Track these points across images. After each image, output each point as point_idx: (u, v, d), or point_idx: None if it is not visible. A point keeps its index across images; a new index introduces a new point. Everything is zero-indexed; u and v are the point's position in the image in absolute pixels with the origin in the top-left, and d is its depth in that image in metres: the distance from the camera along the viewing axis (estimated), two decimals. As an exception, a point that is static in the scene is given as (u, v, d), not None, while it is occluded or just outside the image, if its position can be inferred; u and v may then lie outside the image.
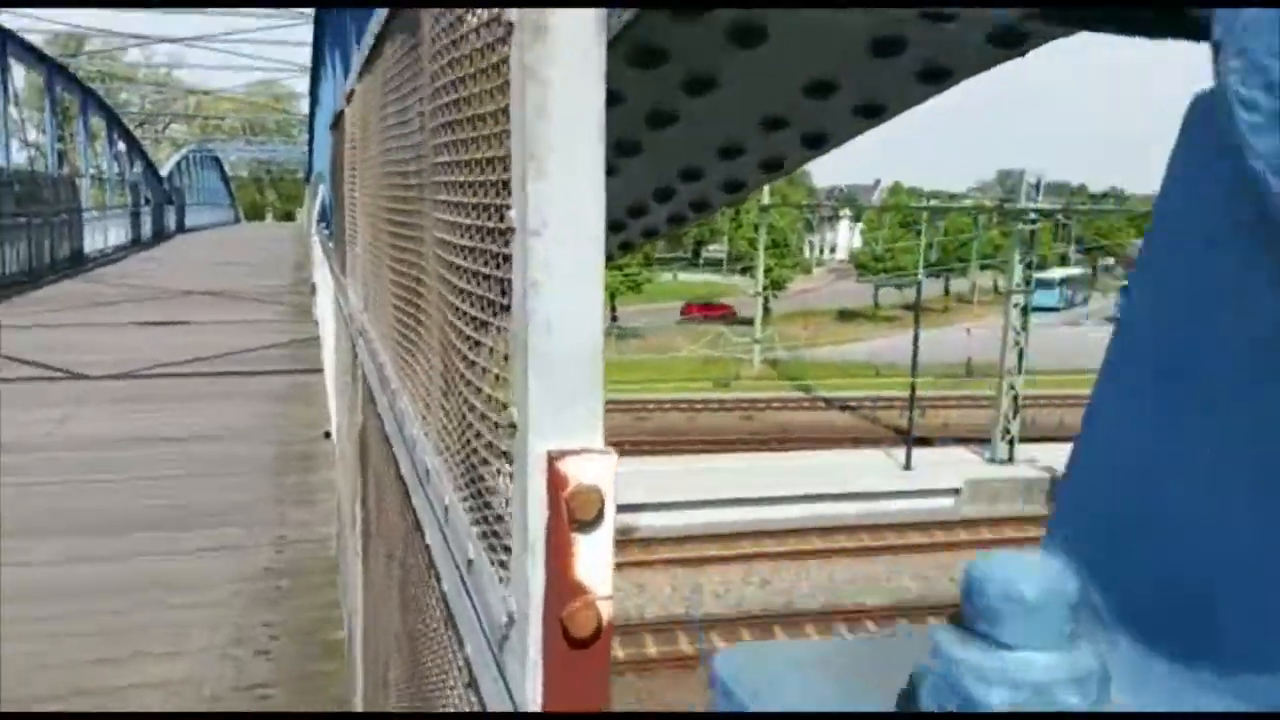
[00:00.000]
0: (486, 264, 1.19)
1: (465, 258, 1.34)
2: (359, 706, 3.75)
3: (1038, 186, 28.46)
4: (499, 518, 1.20)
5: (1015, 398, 28.60)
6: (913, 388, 28.35)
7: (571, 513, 0.96)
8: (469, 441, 1.39)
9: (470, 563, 1.32)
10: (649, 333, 55.26)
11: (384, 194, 2.58)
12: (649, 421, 35.48)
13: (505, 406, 1.12)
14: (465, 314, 1.35)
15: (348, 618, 4.77)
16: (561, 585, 0.97)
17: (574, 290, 0.97)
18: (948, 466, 27.76)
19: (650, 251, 59.86)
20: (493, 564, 1.19)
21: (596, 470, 0.97)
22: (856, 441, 31.76)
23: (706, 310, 65.34)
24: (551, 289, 0.96)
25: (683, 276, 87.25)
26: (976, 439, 30.08)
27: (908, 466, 27.30)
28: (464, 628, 1.36)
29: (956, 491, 26.63)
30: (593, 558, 0.97)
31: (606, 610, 0.97)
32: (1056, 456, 28.39)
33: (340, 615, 5.25)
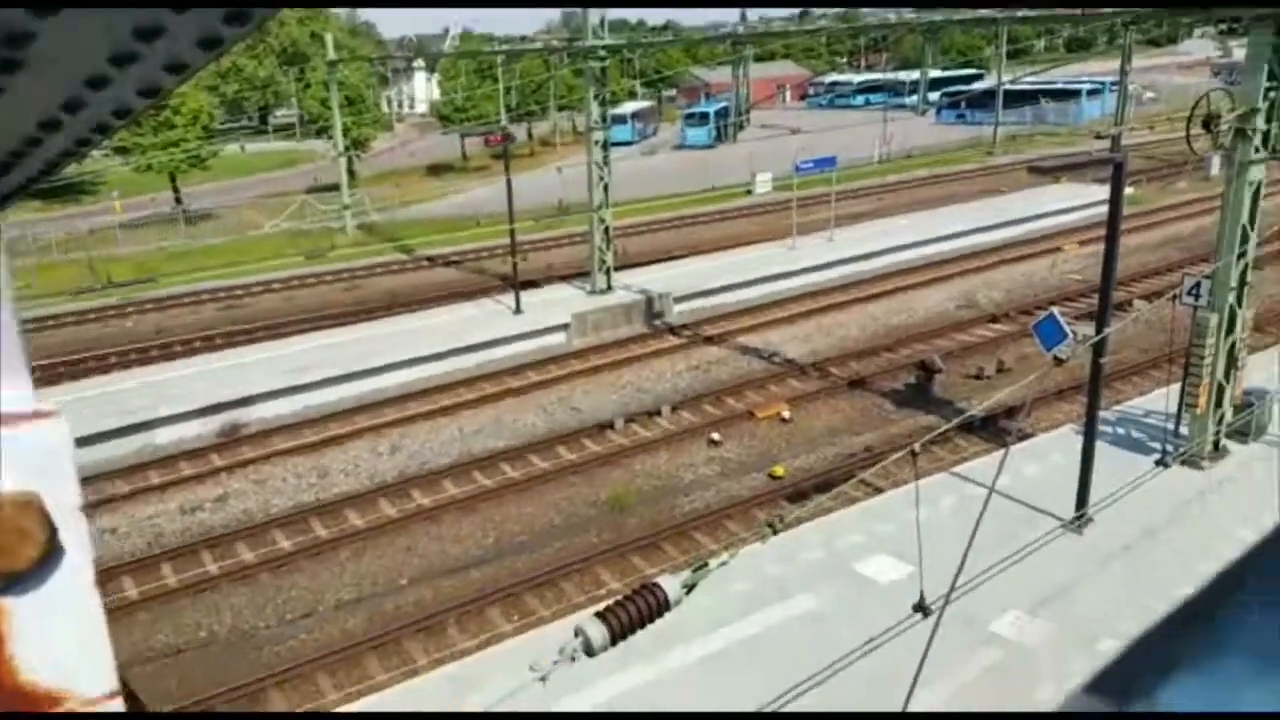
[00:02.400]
0: None
1: None
2: None
3: (602, 23, 28.75)
4: None
5: (607, 230, 29.65)
6: (512, 234, 28.39)
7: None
8: None
9: None
10: (223, 213, 50.66)
11: None
12: (242, 309, 32.95)
13: None
14: None
15: None
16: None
17: None
18: (555, 305, 28.52)
19: (209, 123, 54.31)
20: None
21: (29, 455, 0.53)
22: (467, 295, 31.61)
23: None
24: None
25: (251, 147, 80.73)
26: (578, 274, 31.09)
27: (518, 311, 27.67)
28: None
29: (566, 326, 27.51)
30: (51, 636, 0.54)
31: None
32: (648, 279, 30.19)
33: None
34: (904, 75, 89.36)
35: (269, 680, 14.12)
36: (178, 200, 51.00)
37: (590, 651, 8.05)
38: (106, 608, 0.70)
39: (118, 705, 0.61)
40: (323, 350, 25.76)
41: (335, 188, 47.60)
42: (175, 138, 47.67)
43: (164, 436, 22.21)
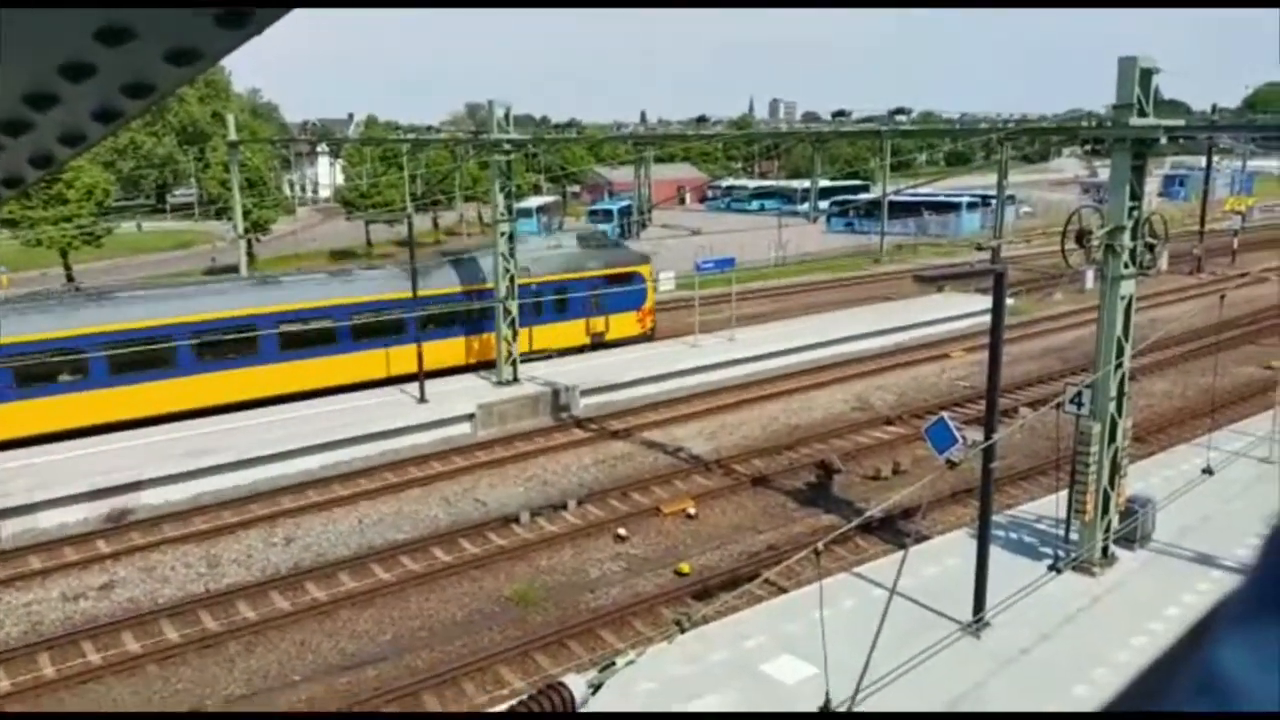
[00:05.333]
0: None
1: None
2: None
3: (507, 117, 29.34)
4: None
5: (513, 322, 29.84)
6: (417, 322, 28.34)
7: None
8: None
9: None
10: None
11: None
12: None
13: None
14: None
15: None
16: None
17: None
18: (460, 395, 28.40)
19: (105, 199, 53.01)
20: None
21: None
22: (370, 382, 31.15)
23: None
24: None
25: (148, 225, 78.81)
26: (484, 364, 31.08)
27: (422, 399, 27.46)
28: None
29: (471, 417, 27.39)
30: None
31: None
32: (555, 371, 30.41)
33: None
34: (795, 183, 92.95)
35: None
36: (69, 278, 49.32)
37: (492, 754, 7.93)
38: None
39: None
40: (218, 435, 25.04)
41: (234, 270, 46.74)
42: (68, 213, 46.31)
43: (47, 520, 21.17)
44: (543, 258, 32.95)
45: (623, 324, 34.69)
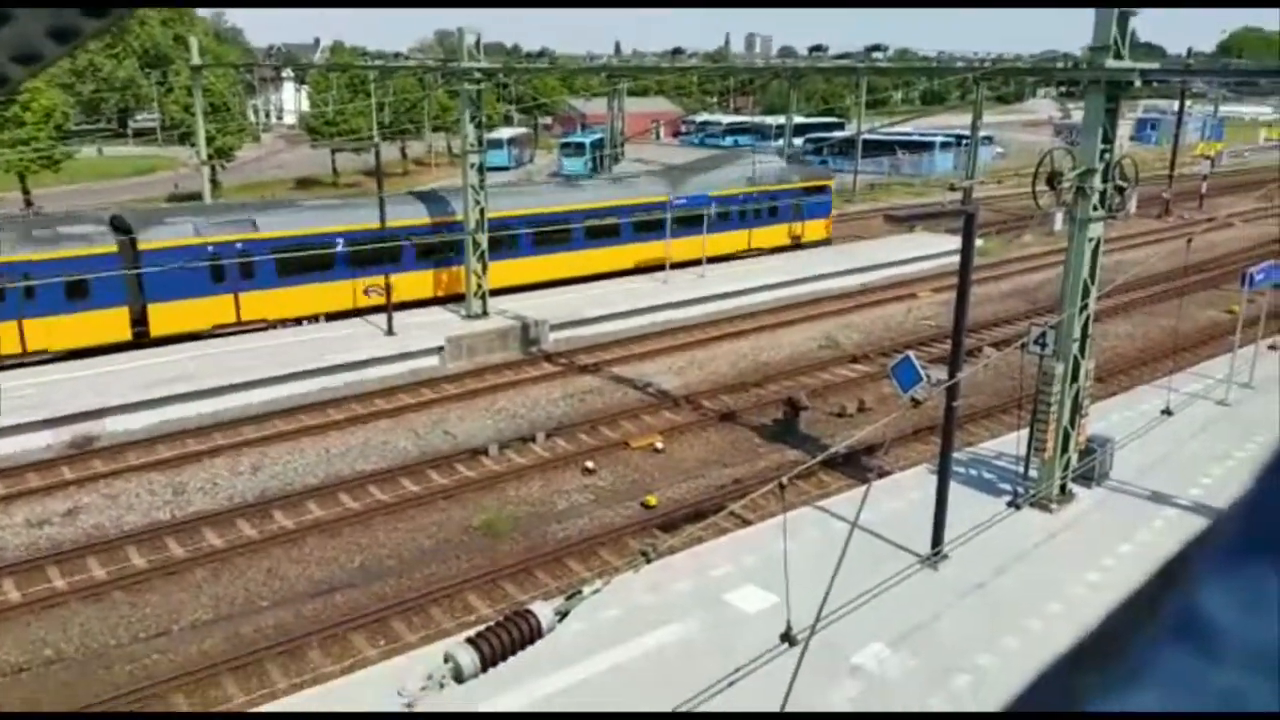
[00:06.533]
0: None
1: None
2: None
3: (478, 45, 28.73)
4: None
5: (482, 254, 29.59)
6: (386, 251, 28.02)
7: None
8: None
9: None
10: (76, 216, 48.14)
11: None
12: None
13: None
14: None
15: None
16: None
17: None
18: (429, 328, 28.25)
19: (64, 123, 51.66)
20: None
21: None
22: (337, 313, 30.88)
23: None
24: None
25: (109, 150, 77.02)
26: (453, 298, 30.88)
27: (390, 332, 27.29)
28: None
29: (440, 349, 27.28)
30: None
31: None
32: (524, 306, 30.27)
33: None
34: (770, 119, 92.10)
35: (119, 699, 13.53)
36: (28, 203, 48.19)
37: (460, 678, 8.00)
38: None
39: None
40: (184, 363, 24.81)
41: (197, 196, 45.91)
42: (25, 135, 45.12)
43: (9, 446, 20.96)
44: (760, 172, 38.51)
45: (814, 229, 40.82)
